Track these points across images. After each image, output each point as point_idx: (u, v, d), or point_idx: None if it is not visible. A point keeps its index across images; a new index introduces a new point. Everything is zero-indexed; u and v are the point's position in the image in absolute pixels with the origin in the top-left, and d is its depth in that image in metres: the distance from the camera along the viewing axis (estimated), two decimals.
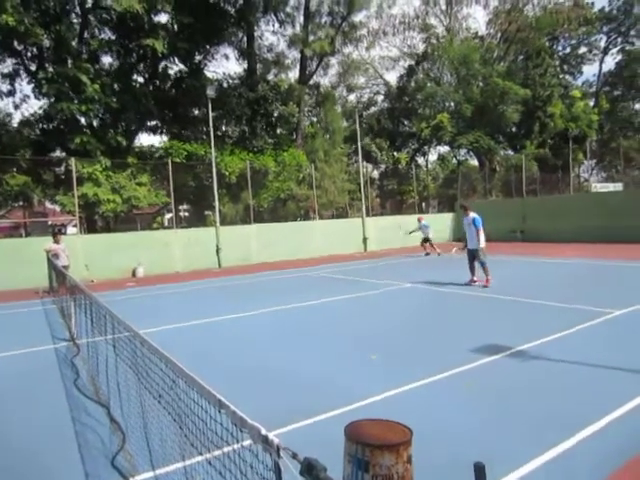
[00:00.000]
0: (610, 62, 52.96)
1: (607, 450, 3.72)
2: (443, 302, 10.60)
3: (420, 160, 46.97)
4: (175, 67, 28.62)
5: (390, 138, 43.04)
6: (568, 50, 48.79)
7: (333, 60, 41.60)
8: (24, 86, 27.07)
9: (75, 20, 24.99)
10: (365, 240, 26.55)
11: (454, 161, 46.19)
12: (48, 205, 33.87)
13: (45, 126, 25.56)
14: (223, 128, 32.03)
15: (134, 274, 19.13)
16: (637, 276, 13.11)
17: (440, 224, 28.49)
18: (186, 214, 38.93)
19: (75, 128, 23.52)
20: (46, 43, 23.36)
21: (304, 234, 24.51)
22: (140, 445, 3.68)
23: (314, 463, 1.49)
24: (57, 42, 23.16)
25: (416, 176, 38.99)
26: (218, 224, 21.83)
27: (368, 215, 28.49)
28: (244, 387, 5.51)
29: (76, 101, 22.56)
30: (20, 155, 24.31)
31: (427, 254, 20.97)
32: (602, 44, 49.39)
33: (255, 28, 32.03)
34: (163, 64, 27.78)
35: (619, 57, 48.58)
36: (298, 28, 33.58)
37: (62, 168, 25.58)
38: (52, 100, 22.72)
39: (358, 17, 37.49)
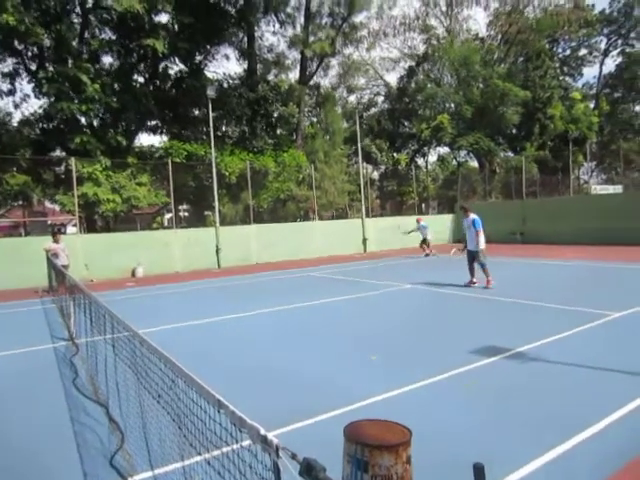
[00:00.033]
0: (610, 64, 53.11)
1: (607, 451, 3.72)
2: (443, 303, 10.60)
3: (420, 161, 47.06)
4: (175, 67, 28.68)
5: (390, 139, 43.07)
6: (568, 52, 48.83)
7: (333, 61, 41.70)
8: (24, 85, 27.28)
9: (76, 20, 25.00)
10: (365, 241, 26.55)
11: (454, 162, 46.18)
12: (48, 205, 33.91)
13: (45, 125, 25.56)
14: (223, 128, 32.03)
15: (133, 274, 19.12)
16: (637, 278, 13.11)
17: (440, 225, 28.53)
18: (186, 214, 38.95)
19: (75, 128, 23.52)
20: (46, 43, 23.36)
21: (304, 235, 24.51)
22: (139, 445, 3.67)
23: (313, 463, 1.49)
24: (57, 42, 23.16)
25: (416, 177, 39.01)
26: (218, 224, 21.83)
27: (368, 216, 28.49)
28: (244, 387, 5.51)
29: (76, 101, 22.57)
30: (20, 154, 24.32)
31: (427, 255, 20.98)
32: (602, 46, 49.51)
33: (255, 28, 32.06)
34: (163, 64, 27.79)
35: (619, 59, 48.69)
36: (299, 29, 33.65)
37: (62, 168, 25.59)
38: (52, 100, 22.72)
39: (359, 18, 37.56)
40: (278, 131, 32.81)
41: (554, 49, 46.13)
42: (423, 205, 42.54)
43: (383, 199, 44.81)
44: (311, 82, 36.99)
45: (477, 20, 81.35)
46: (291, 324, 9.14)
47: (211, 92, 21.83)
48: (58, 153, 26.11)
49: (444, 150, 45.79)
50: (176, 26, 26.69)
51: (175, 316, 10.24)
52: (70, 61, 23.39)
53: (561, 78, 43.94)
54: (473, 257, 12.11)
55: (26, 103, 50.62)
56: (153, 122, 29.37)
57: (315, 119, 39.55)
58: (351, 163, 39.75)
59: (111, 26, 25.71)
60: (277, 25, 33.74)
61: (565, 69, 48.01)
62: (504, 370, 5.79)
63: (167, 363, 2.71)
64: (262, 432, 1.68)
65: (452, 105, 39.71)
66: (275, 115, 31.92)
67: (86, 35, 25.21)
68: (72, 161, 19.83)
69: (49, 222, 34.98)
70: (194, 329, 9.05)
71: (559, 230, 24.19)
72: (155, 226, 40.98)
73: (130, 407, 4.00)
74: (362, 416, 2.56)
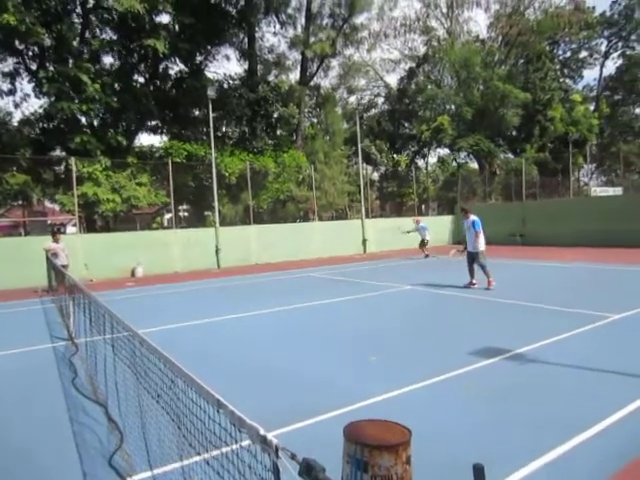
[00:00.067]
0: (611, 66, 53.20)
1: (607, 452, 3.72)
2: (442, 304, 10.60)
3: (420, 162, 47.09)
4: (176, 67, 28.71)
5: (390, 140, 43.09)
6: (569, 54, 48.92)
7: (334, 62, 41.68)
8: (24, 85, 27.33)
9: (76, 20, 25.01)
10: (364, 242, 26.55)
11: (454, 164, 46.21)
12: (47, 204, 33.92)
13: (45, 125, 25.56)
14: (223, 129, 32.06)
15: (133, 274, 19.12)
16: (636, 280, 13.11)
17: (440, 227, 28.54)
18: (185, 214, 38.93)
19: (75, 127, 23.53)
20: (47, 42, 23.35)
21: (304, 235, 24.51)
22: (138, 445, 3.66)
23: (313, 464, 1.48)
24: (58, 41, 23.18)
25: (416, 178, 39.04)
26: (217, 225, 21.82)
27: (368, 217, 28.50)
28: (243, 387, 5.50)
29: (76, 100, 22.58)
30: (20, 154, 24.33)
31: (426, 256, 20.98)
32: (603, 48, 49.60)
33: (256, 29, 32.09)
34: (164, 64, 27.81)
35: (620, 61, 48.81)
36: (299, 29, 33.70)
37: (62, 167, 25.60)
38: (52, 99, 22.72)
39: (359, 19, 37.62)
40: (278, 132, 32.83)
41: (555, 51, 46.20)
42: (423, 206, 42.56)
43: (383, 200, 44.83)
44: (311, 83, 37.02)
45: (478, 22, 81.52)
46: (291, 325, 9.14)
47: (211, 92, 21.82)
48: (58, 153, 26.12)
49: (444, 151, 45.90)
50: (177, 26, 26.72)
51: (174, 316, 10.23)
52: (71, 61, 23.42)
53: (561, 80, 43.96)
54: (473, 258, 12.11)
55: (26, 103, 50.74)
56: (153, 122, 29.38)
57: (315, 120, 39.58)
58: (351, 164, 39.76)
59: (112, 26, 25.73)
60: (278, 26, 33.84)
61: (565, 71, 48.06)
62: (504, 371, 5.79)
63: (166, 363, 2.70)
64: (261, 432, 1.67)
65: (452, 106, 39.75)
66: (275, 116, 31.94)
67: (87, 35, 25.22)
68: (72, 161, 19.84)
69: (49, 222, 34.97)
70: (194, 329, 9.04)
71: (559, 232, 24.19)
72: (155, 226, 40.97)
73: (129, 407, 3.99)
74: (362, 416, 2.55)
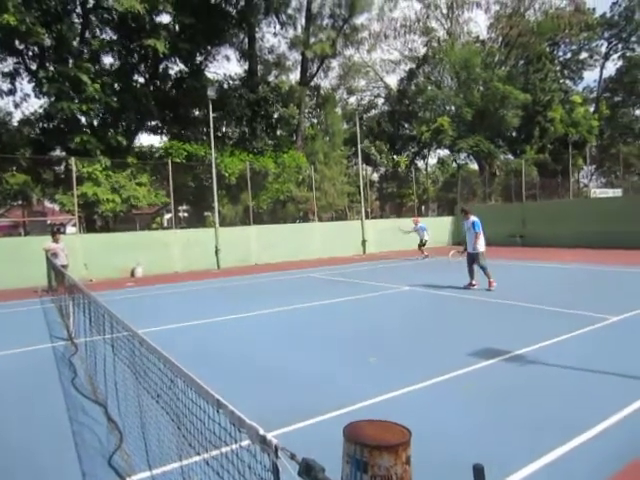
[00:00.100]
0: (611, 68, 53.20)
1: (606, 454, 3.72)
2: (442, 305, 10.60)
3: (420, 163, 47.09)
4: (176, 67, 28.75)
5: (390, 141, 43.10)
6: (569, 55, 48.93)
7: (334, 62, 41.69)
8: (24, 85, 27.34)
9: (76, 20, 25.03)
10: (364, 242, 26.55)
11: (454, 165, 46.22)
12: (47, 204, 33.95)
13: (45, 125, 25.57)
14: (223, 129, 32.07)
15: (133, 274, 19.11)
16: (636, 282, 13.11)
17: (440, 228, 28.55)
18: (185, 215, 38.92)
19: (75, 127, 23.54)
20: (47, 42, 23.38)
21: (303, 236, 24.50)
22: (137, 445, 3.66)
23: (312, 464, 1.48)
24: (58, 41, 23.19)
25: (416, 179, 39.05)
26: (217, 225, 21.82)
27: (367, 218, 28.50)
28: (243, 387, 5.50)
29: (76, 100, 22.60)
30: (20, 154, 24.34)
31: (426, 257, 20.99)
32: (603, 50, 49.61)
33: (256, 29, 32.12)
34: (164, 64, 27.84)
35: (620, 63, 48.80)
36: (299, 30, 33.69)
37: (62, 167, 25.61)
38: (52, 99, 22.73)
39: (359, 20, 37.60)
40: (278, 132, 32.86)
41: (555, 52, 46.21)
42: (423, 207, 42.58)
43: (383, 201, 44.86)
44: (311, 83, 37.04)
45: (478, 23, 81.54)
46: (291, 325, 9.13)
47: (211, 93, 21.82)
48: (58, 153, 26.13)
49: (444, 152, 45.91)
50: (177, 27, 26.74)
51: (174, 316, 10.23)
52: (71, 61, 23.44)
53: (561, 81, 43.99)
54: (473, 259, 12.11)
55: (26, 103, 50.74)
56: (153, 122, 29.40)
57: (315, 120, 39.62)
58: (351, 165, 39.77)
59: (112, 26, 25.75)
60: (278, 26, 33.85)
61: (566, 72, 48.07)
62: (503, 372, 5.79)
63: (166, 363, 2.70)
64: (261, 432, 1.67)
65: (452, 107, 39.77)
66: (275, 116, 31.97)
67: (87, 35, 25.24)
68: (72, 161, 19.84)
69: (49, 222, 34.96)
70: (193, 329, 9.04)
71: (559, 233, 24.20)
72: (154, 226, 40.95)
73: (129, 407, 3.99)
74: (362, 416, 2.56)
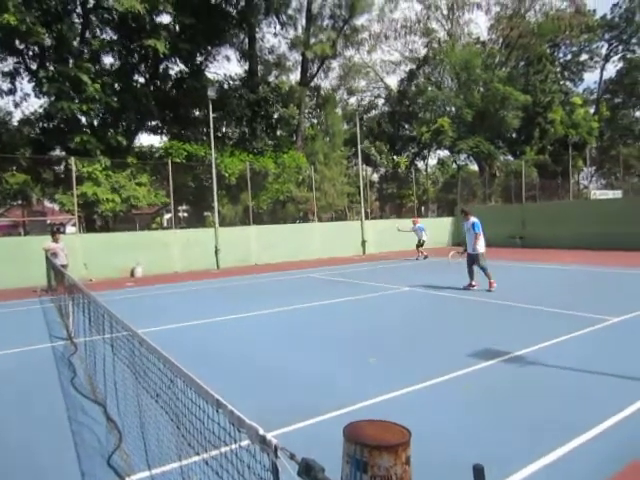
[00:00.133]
0: (611, 69, 53.24)
1: (605, 455, 3.72)
2: (441, 306, 10.60)
3: (420, 164, 47.06)
4: (176, 67, 28.74)
5: (390, 142, 43.10)
6: (569, 57, 48.99)
7: (334, 63, 41.77)
8: (25, 85, 27.36)
9: (77, 20, 25.02)
10: (364, 243, 26.55)
11: (454, 166, 46.21)
12: (47, 204, 33.92)
13: (45, 125, 25.56)
14: (223, 129, 32.07)
15: (132, 274, 19.11)
16: (636, 283, 13.12)
17: (439, 229, 28.56)
18: (185, 215, 38.93)
19: (75, 127, 23.54)
20: (47, 42, 23.36)
21: (303, 236, 24.51)
22: (136, 444, 3.66)
23: (312, 464, 1.48)
24: (58, 41, 23.19)
25: (416, 180, 39.04)
26: (217, 225, 21.81)
27: (367, 218, 28.50)
28: (243, 387, 5.50)
29: (77, 100, 22.60)
30: (20, 154, 24.33)
31: (425, 257, 21.00)
32: (603, 51, 49.65)
33: (257, 30, 32.15)
34: (164, 64, 27.83)
35: (620, 65, 48.84)
36: (300, 30, 33.74)
37: (62, 167, 25.60)
38: (52, 99, 22.72)
39: (360, 20, 37.68)
40: (278, 132, 32.86)
41: (555, 54, 46.24)
42: (423, 208, 42.58)
43: (382, 201, 44.83)
44: (312, 84, 37.08)
45: (478, 24, 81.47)
46: (291, 325, 9.13)
47: (212, 93, 21.82)
48: (58, 152, 26.12)
49: (444, 153, 45.85)
50: (177, 27, 26.74)
51: (174, 316, 10.22)
52: (71, 61, 23.44)
53: (562, 83, 44.02)
54: (473, 260, 12.11)
55: (26, 102, 50.87)
56: (153, 122, 29.39)
57: (315, 121, 39.63)
58: (351, 165, 39.77)
59: (112, 26, 25.74)
60: (278, 27, 33.91)
61: (566, 74, 48.10)
62: (503, 373, 5.79)
63: (166, 363, 2.70)
64: (261, 432, 1.67)
65: (453, 108, 39.78)
66: (275, 116, 31.97)
67: (87, 35, 25.23)
68: (72, 160, 19.83)
69: (48, 221, 34.96)
70: (193, 329, 9.03)
71: (559, 234, 24.20)
72: (154, 226, 40.95)
73: (128, 406, 3.98)
74: (361, 416, 2.55)
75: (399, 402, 4.99)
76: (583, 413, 4.52)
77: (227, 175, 25.58)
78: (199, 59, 29.27)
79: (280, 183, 28.33)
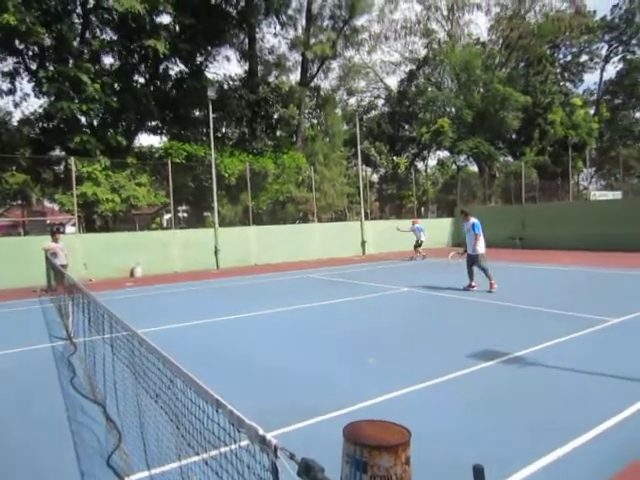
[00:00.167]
0: (611, 70, 53.24)
1: (605, 456, 3.71)
2: (441, 307, 10.59)
3: (420, 165, 47.12)
4: (176, 68, 28.73)
5: (390, 142, 43.12)
6: (569, 58, 49.00)
7: (334, 63, 41.81)
8: (24, 85, 27.30)
9: (77, 20, 25.03)
10: (363, 243, 26.55)
11: (454, 166, 46.21)
12: (47, 204, 33.90)
13: (45, 125, 25.56)
14: (223, 129, 32.08)
15: (132, 274, 19.10)
16: (635, 284, 13.12)
17: (439, 229, 28.56)
18: (185, 215, 38.91)
19: (75, 127, 23.54)
20: (47, 42, 23.36)
21: (303, 236, 24.51)
22: (136, 444, 3.65)
23: (311, 464, 1.47)
24: (58, 41, 23.19)
25: (415, 181, 39.05)
26: (217, 225, 21.81)
27: (367, 219, 28.50)
28: (243, 387, 5.49)
29: (76, 100, 22.60)
30: (19, 154, 24.32)
31: (424, 257, 21.02)
32: (603, 52, 49.69)
33: (257, 30, 32.15)
34: (164, 65, 27.83)
35: (620, 66, 48.86)
36: (300, 31, 33.75)
37: (61, 167, 25.60)
38: (52, 99, 22.72)
39: (360, 21, 37.71)
40: (278, 133, 32.87)
41: (555, 55, 46.26)
42: (422, 209, 42.59)
43: (382, 202, 44.84)
44: (312, 84, 37.09)
45: (478, 25, 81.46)
46: (290, 325, 9.13)
47: (211, 93, 21.82)
48: (58, 152, 26.12)
49: (444, 154, 45.87)
50: (177, 27, 26.73)
51: (174, 316, 10.22)
52: (71, 61, 23.44)
53: (562, 84, 44.04)
54: (472, 261, 12.10)
55: (26, 102, 50.66)
56: (153, 122, 29.39)
57: (315, 121, 39.63)
58: (350, 166, 39.77)
59: (112, 26, 25.74)
60: (278, 27, 33.92)
61: (566, 75, 48.13)
62: (503, 373, 5.78)
63: (165, 363, 2.70)
64: (260, 432, 1.66)
65: (452, 109, 39.81)
66: (275, 117, 31.98)
67: (87, 35, 25.24)
68: (72, 160, 19.83)
69: (48, 221, 34.94)
70: (193, 329, 9.03)
71: (558, 235, 24.19)
72: (154, 226, 40.91)
73: (128, 406, 3.98)
74: (361, 417, 2.55)
75: (399, 402, 4.99)
76: (583, 414, 4.52)
77: (227, 175, 25.58)
78: (199, 59, 29.27)
79: (280, 183, 28.32)
